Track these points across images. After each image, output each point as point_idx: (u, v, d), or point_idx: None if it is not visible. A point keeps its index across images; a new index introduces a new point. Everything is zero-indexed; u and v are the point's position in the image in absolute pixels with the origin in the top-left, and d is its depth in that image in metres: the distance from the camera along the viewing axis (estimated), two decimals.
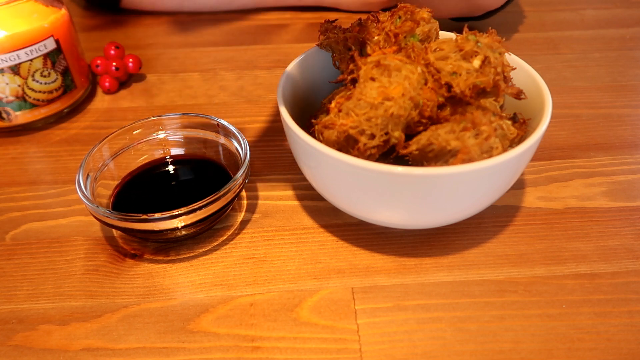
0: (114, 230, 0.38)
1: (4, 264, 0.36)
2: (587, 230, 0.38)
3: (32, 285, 0.35)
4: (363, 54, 0.37)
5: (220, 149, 0.41)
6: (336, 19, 0.41)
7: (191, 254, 0.37)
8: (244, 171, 0.36)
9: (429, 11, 0.38)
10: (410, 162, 0.35)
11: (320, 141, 0.34)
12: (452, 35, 0.38)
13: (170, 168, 0.41)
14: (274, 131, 0.48)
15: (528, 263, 0.35)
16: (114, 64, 0.53)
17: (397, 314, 0.32)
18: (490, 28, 0.36)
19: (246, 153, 0.37)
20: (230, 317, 0.33)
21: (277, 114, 0.35)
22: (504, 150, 0.32)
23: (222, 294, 0.34)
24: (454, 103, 0.34)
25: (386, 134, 0.32)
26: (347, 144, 0.33)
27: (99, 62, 0.54)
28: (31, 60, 0.46)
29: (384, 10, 0.40)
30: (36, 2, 0.47)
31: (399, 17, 0.37)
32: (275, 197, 0.41)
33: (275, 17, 0.69)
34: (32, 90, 0.47)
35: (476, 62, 0.33)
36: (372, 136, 0.32)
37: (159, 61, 0.59)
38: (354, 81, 0.35)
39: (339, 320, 0.32)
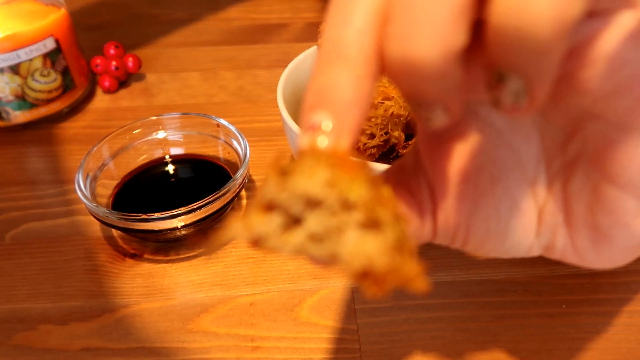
0: (113, 230, 0.38)
1: (4, 264, 0.36)
2: None
3: (32, 285, 0.35)
4: None
5: (220, 148, 0.41)
6: None
7: (191, 254, 0.37)
8: (243, 171, 0.36)
9: None
10: None
11: None
12: None
13: (170, 168, 0.41)
14: (274, 131, 0.48)
15: (528, 262, 0.35)
16: (114, 63, 0.53)
17: (397, 314, 0.32)
18: None
19: (246, 153, 0.37)
20: (230, 317, 0.33)
21: (277, 114, 0.35)
22: None
23: (221, 294, 0.34)
24: None
25: (386, 133, 0.32)
26: None
27: (98, 61, 0.53)
28: (31, 59, 0.46)
29: None
30: (36, 1, 0.47)
31: None
32: None
33: (275, 17, 0.69)
34: (32, 89, 0.47)
35: None
36: (372, 136, 0.32)
37: (158, 61, 0.59)
38: None
39: (339, 320, 0.32)
